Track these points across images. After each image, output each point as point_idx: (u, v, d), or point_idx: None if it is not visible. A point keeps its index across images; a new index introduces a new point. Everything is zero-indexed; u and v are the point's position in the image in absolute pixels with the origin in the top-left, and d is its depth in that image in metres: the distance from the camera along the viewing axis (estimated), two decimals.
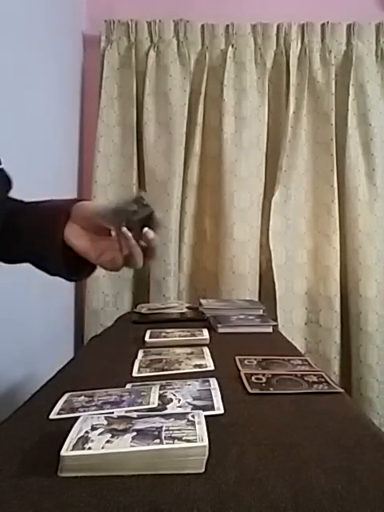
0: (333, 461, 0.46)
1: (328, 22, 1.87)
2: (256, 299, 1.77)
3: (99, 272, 0.67)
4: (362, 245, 1.81)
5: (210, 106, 1.89)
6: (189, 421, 0.49)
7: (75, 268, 0.63)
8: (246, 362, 0.83)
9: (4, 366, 1.20)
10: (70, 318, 1.84)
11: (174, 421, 0.49)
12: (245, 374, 0.75)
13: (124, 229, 0.57)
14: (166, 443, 0.44)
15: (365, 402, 1.76)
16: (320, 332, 1.85)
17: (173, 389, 0.66)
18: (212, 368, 0.79)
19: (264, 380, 0.72)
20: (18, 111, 1.31)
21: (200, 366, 0.80)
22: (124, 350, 0.94)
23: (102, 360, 0.89)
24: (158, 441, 0.44)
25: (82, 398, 0.64)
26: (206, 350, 0.90)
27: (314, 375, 0.74)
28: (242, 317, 1.22)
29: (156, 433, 0.46)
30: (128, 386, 0.69)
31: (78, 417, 0.51)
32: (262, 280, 1.88)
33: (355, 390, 1.79)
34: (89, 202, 0.65)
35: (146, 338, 1.00)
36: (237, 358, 0.85)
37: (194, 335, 1.02)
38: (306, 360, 0.85)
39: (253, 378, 0.73)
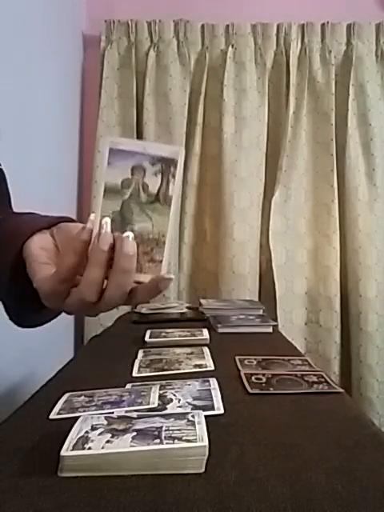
0: (333, 461, 0.46)
1: (328, 22, 1.87)
2: (256, 299, 1.77)
3: None
4: (362, 245, 1.81)
5: (210, 106, 1.89)
6: (189, 421, 0.49)
7: (25, 297, 0.47)
8: (246, 362, 0.83)
9: (4, 365, 1.20)
10: (70, 318, 1.84)
11: (174, 421, 0.49)
12: (245, 374, 0.75)
13: (130, 234, 0.39)
14: (166, 443, 0.44)
15: (365, 402, 1.76)
16: (320, 332, 1.85)
17: (173, 389, 0.66)
18: (212, 368, 0.79)
19: (264, 380, 0.72)
20: (17, 111, 1.31)
21: (200, 365, 0.80)
22: (124, 350, 0.94)
23: (102, 360, 0.89)
24: (158, 441, 0.44)
25: (82, 398, 0.64)
26: (206, 350, 0.90)
27: (314, 375, 0.74)
28: (242, 317, 1.22)
29: (156, 433, 0.46)
30: (128, 386, 0.69)
31: (78, 417, 0.51)
32: (261, 280, 1.88)
33: (355, 390, 1.79)
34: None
35: (146, 338, 1.00)
36: (237, 358, 0.85)
37: (194, 335, 1.02)
38: (306, 360, 0.85)
39: (253, 378, 0.73)
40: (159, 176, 0.40)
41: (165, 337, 1.01)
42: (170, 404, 0.60)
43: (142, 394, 0.63)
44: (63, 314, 0.51)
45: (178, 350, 0.90)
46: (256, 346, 0.98)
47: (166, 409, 0.58)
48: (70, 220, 0.50)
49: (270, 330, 1.15)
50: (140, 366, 0.81)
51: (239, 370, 0.77)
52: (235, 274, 1.80)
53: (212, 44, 1.89)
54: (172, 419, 0.50)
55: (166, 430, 0.47)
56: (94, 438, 0.45)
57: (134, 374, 0.77)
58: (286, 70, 1.88)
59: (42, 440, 0.51)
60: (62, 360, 0.89)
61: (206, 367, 0.80)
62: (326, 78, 1.87)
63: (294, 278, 1.88)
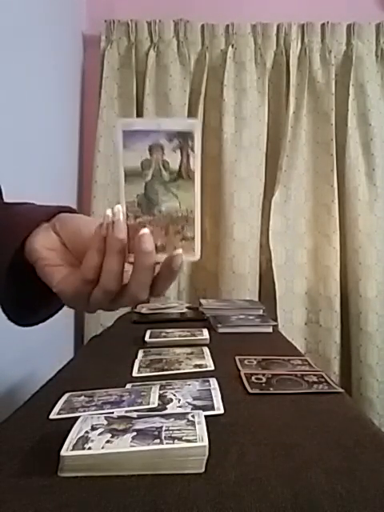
0: (333, 461, 0.46)
1: (328, 22, 1.87)
2: (256, 299, 1.77)
3: None
4: (362, 245, 1.81)
5: (210, 106, 1.89)
6: (189, 421, 0.49)
7: (28, 292, 0.46)
8: (246, 362, 0.83)
9: (4, 365, 1.20)
10: (70, 317, 1.84)
11: (174, 421, 0.49)
12: (245, 374, 0.75)
13: (146, 231, 0.39)
14: (166, 443, 0.44)
15: (365, 402, 1.76)
16: (320, 332, 1.85)
17: (173, 389, 0.66)
18: (212, 368, 0.79)
19: (264, 380, 0.72)
20: (17, 111, 1.31)
21: (200, 365, 0.80)
22: (124, 350, 0.94)
23: (102, 360, 0.89)
24: (158, 441, 0.44)
25: (82, 398, 0.64)
26: (205, 350, 0.90)
27: (314, 375, 0.74)
28: (242, 317, 1.22)
29: (156, 433, 0.46)
30: (128, 386, 0.69)
31: (78, 417, 0.51)
32: (262, 280, 1.88)
33: (355, 390, 1.79)
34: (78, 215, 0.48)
35: (146, 338, 1.00)
36: (237, 358, 0.85)
37: (194, 335, 1.02)
38: (306, 360, 0.85)
39: (253, 377, 0.73)
40: (178, 151, 0.39)
41: (165, 337, 1.01)
42: (170, 404, 0.60)
43: (142, 394, 0.63)
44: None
45: (178, 350, 0.90)
46: (256, 346, 0.98)
47: (165, 409, 0.58)
48: (70, 210, 0.47)
49: (270, 329, 1.15)
50: (140, 366, 0.81)
51: (239, 370, 0.77)
52: (235, 274, 1.80)
53: (212, 44, 1.89)
54: (172, 419, 0.50)
55: (166, 430, 0.47)
56: (94, 438, 0.45)
57: (134, 374, 0.77)
58: (286, 70, 1.88)
59: (42, 440, 0.51)
60: (61, 360, 0.89)
61: (206, 367, 0.80)
62: (326, 77, 1.87)
63: (294, 277, 1.88)
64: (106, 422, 0.49)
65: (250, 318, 1.21)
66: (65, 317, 1.78)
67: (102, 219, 0.40)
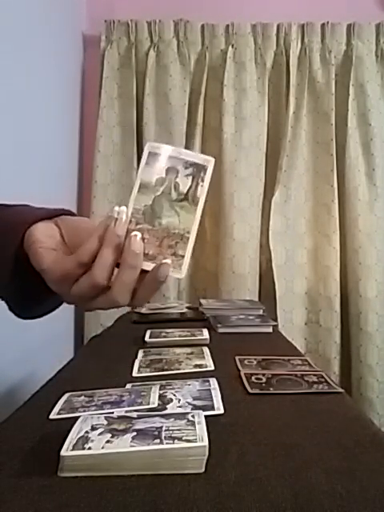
0: (333, 461, 0.46)
1: (328, 22, 1.87)
2: (256, 299, 1.77)
3: None
4: (362, 245, 1.81)
5: (210, 106, 1.89)
6: (189, 421, 0.49)
7: (28, 288, 0.47)
8: (246, 362, 0.83)
9: (4, 365, 1.20)
10: (70, 318, 1.84)
11: (174, 421, 0.49)
12: (245, 374, 0.75)
13: (138, 234, 0.41)
14: (166, 443, 0.44)
15: (365, 402, 1.76)
16: (320, 332, 1.86)
17: (173, 389, 0.66)
18: (212, 368, 0.79)
19: (264, 380, 0.72)
20: (17, 111, 1.31)
21: (200, 365, 0.80)
22: (124, 350, 0.94)
23: (102, 360, 0.89)
24: (158, 441, 0.44)
25: (82, 397, 0.64)
26: (205, 350, 0.90)
27: (314, 375, 0.74)
28: (241, 317, 1.22)
29: (156, 433, 0.46)
30: (128, 386, 0.69)
31: (78, 417, 0.51)
32: (262, 280, 1.88)
33: (355, 390, 1.79)
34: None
35: (146, 338, 1.00)
36: (237, 358, 0.85)
37: (194, 335, 1.02)
38: (306, 360, 0.85)
39: (253, 377, 0.73)
40: (190, 178, 0.44)
41: (165, 337, 1.01)
42: (170, 404, 0.60)
43: (142, 394, 0.63)
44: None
45: (178, 350, 0.90)
46: (256, 346, 0.98)
47: (165, 409, 0.58)
48: (70, 212, 0.50)
49: (270, 329, 1.15)
50: (140, 366, 0.81)
51: (239, 370, 0.77)
52: (235, 274, 1.80)
53: (212, 44, 1.89)
54: (172, 419, 0.50)
55: (166, 430, 0.47)
56: (94, 438, 0.45)
57: (134, 374, 0.77)
58: (286, 70, 1.88)
59: (42, 440, 0.51)
60: (61, 360, 0.89)
61: (206, 367, 0.80)
62: (326, 77, 1.87)
63: (294, 277, 1.88)
64: (105, 422, 0.49)
65: (250, 317, 1.21)
66: (65, 317, 1.78)
67: (109, 212, 0.42)
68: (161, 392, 0.64)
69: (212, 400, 0.62)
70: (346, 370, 1.86)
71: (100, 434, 0.46)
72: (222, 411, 0.59)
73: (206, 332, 1.04)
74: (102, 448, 0.43)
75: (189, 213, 0.43)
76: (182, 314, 1.35)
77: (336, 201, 1.85)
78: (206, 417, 0.50)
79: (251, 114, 1.86)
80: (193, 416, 0.50)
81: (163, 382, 0.69)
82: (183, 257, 0.43)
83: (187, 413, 0.52)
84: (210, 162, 0.44)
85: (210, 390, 0.66)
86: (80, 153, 1.94)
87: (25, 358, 1.32)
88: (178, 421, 0.49)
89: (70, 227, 0.46)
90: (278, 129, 1.91)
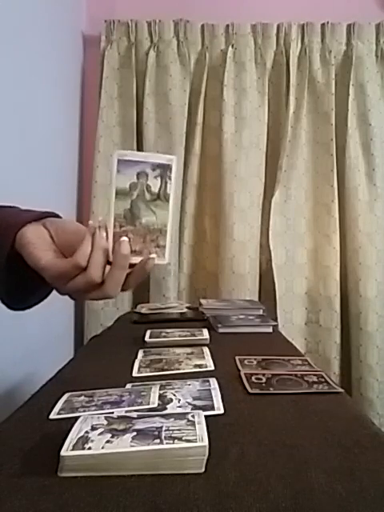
0: (333, 461, 0.46)
1: (328, 22, 1.87)
2: (256, 299, 1.77)
3: None
4: (362, 245, 1.81)
5: (210, 105, 1.89)
6: (189, 421, 0.49)
7: (19, 282, 0.53)
8: (245, 362, 0.83)
9: (4, 365, 1.21)
10: (70, 318, 1.84)
11: (174, 421, 0.49)
12: (245, 374, 0.75)
13: (125, 239, 0.49)
14: (166, 443, 0.44)
15: (365, 402, 1.76)
16: (320, 332, 1.86)
17: (173, 389, 0.66)
18: (212, 368, 0.79)
19: (264, 380, 0.72)
20: (17, 111, 1.31)
21: (200, 366, 0.80)
22: (124, 350, 0.94)
23: (102, 360, 0.89)
24: (158, 441, 0.44)
25: (82, 398, 0.64)
26: (205, 350, 0.90)
27: (314, 375, 0.74)
28: (242, 317, 1.22)
29: (156, 433, 0.46)
30: (128, 385, 0.69)
31: (78, 417, 0.51)
32: (261, 280, 1.88)
33: (355, 390, 1.79)
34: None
35: (146, 338, 1.00)
36: (237, 358, 0.85)
37: (194, 335, 1.02)
38: (306, 360, 0.85)
39: (253, 377, 0.73)
40: (159, 179, 0.50)
41: (165, 337, 1.01)
42: (170, 404, 0.60)
43: (142, 394, 0.63)
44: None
45: (178, 350, 0.90)
46: (256, 345, 0.98)
47: (166, 409, 0.58)
48: (55, 215, 0.55)
49: (270, 329, 1.15)
50: (140, 366, 0.81)
51: (239, 370, 0.77)
52: (235, 274, 1.80)
53: (212, 44, 1.89)
54: (172, 419, 0.50)
55: (166, 430, 0.47)
56: (94, 438, 0.45)
57: (134, 374, 0.77)
58: (286, 70, 1.88)
59: (42, 440, 0.51)
60: (62, 360, 0.89)
61: (206, 367, 0.80)
62: (325, 77, 1.87)
63: (294, 278, 1.88)
64: (106, 422, 0.49)
65: (250, 318, 1.21)
66: (65, 317, 1.79)
67: (93, 221, 0.50)
68: (161, 392, 0.64)
69: (212, 400, 0.62)
70: (345, 370, 1.86)
71: (100, 434, 0.46)
72: (222, 411, 0.59)
73: (205, 332, 1.04)
74: (102, 448, 0.43)
75: (163, 209, 0.50)
76: (181, 313, 1.35)
77: (336, 201, 1.85)
78: (206, 417, 0.50)
79: (251, 114, 1.86)
80: (193, 416, 0.50)
81: (163, 382, 0.69)
82: (165, 246, 0.51)
83: (187, 413, 0.52)
84: (173, 160, 0.50)
85: (210, 390, 0.66)
86: (80, 153, 1.94)
87: (25, 358, 1.32)
88: (178, 421, 0.49)
89: (58, 228, 0.52)
90: (277, 129, 1.91)
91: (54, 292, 0.54)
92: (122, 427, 0.48)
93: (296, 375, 0.74)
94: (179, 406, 0.59)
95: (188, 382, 0.69)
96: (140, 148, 1.87)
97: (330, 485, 0.41)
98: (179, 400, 0.61)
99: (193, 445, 0.44)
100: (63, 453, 0.43)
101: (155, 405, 0.60)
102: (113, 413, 0.55)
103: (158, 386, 0.66)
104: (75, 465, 0.43)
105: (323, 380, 0.72)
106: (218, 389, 0.66)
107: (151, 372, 0.78)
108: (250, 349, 0.92)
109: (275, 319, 1.72)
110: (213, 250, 1.88)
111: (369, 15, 1.90)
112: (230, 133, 1.84)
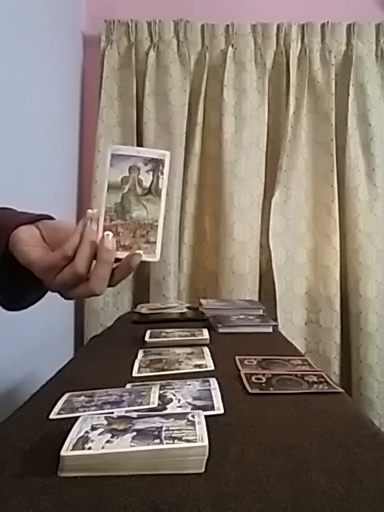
0: (333, 461, 0.46)
1: (328, 22, 1.87)
2: (256, 299, 1.77)
3: None
4: (362, 245, 1.81)
5: (210, 105, 1.89)
6: (189, 421, 0.49)
7: (14, 282, 0.54)
8: (245, 362, 0.83)
9: (4, 365, 1.20)
10: (70, 317, 1.84)
11: (174, 421, 0.49)
12: (245, 373, 0.75)
13: (110, 233, 0.49)
14: (166, 443, 0.44)
15: (365, 402, 1.76)
16: (320, 332, 1.85)
17: (173, 389, 0.66)
18: (212, 368, 0.79)
19: (264, 380, 0.72)
20: (17, 111, 1.31)
21: (200, 366, 0.80)
22: (124, 350, 0.94)
23: (102, 360, 0.89)
24: (158, 441, 0.44)
25: (82, 398, 0.64)
26: (206, 349, 0.90)
27: (314, 375, 0.74)
28: (242, 317, 1.22)
29: (156, 433, 0.46)
30: (128, 385, 0.69)
31: (78, 417, 0.51)
32: (261, 280, 1.88)
33: (355, 390, 1.79)
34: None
35: (146, 338, 1.00)
36: (237, 358, 0.85)
37: (194, 335, 1.02)
38: (306, 360, 0.85)
39: (253, 377, 0.73)
40: (151, 173, 0.50)
41: (165, 337, 1.01)
42: (170, 404, 0.60)
43: (142, 394, 0.63)
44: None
45: (178, 350, 0.90)
46: (256, 345, 0.98)
47: (166, 409, 0.58)
48: (49, 217, 0.56)
49: (270, 329, 1.15)
50: (140, 366, 0.81)
51: (239, 370, 0.77)
52: (235, 274, 1.80)
53: (212, 44, 1.89)
54: (172, 419, 0.50)
55: (166, 430, 0.47)
56: (94, 438, 0.45)
57: (134, 374, 0.77)
58: (286, 70, 1.88)
59: (41, 440, 0.51)
60: (61, 360, 0.89)
61: (206, 367, 0.80)
62: (325, 77, 1.87)
63: (294, 277, 1.88)
64: (105, 422, 0.49)
65: (250, 318, 1.21)
66: (65, 317, 1.79)
67: (86, 214, 0.50)
68: (161, 392, 0.64)
69: (212, 400, 0.62)
70: (345, 370, 1.86)
71: (100, 434, 0.46)
72: (222, 411, 0.59)
73: (205, 332, 1.04)
74: (102, 448, 0.43)
75: (154, 204, 0.50)
76: (181, 313, 1.35)
77: (336, 201, 1.85)
78: (206, 417, 0.50)
79: (251, 114, 1.86)
80: (193, 416, 0.50)
81: (163, 382, 0.69)
82: (155, 242, 0.50)
83: (187, 413, 0.52)
84: (166, 155, 0.50)
85: (210, 390, 0.66)
86: (80, 153, 1.94)
87: (25, 358, 1.32)
88: (178, 421, 0.49)
89: (48, 228, 0.53)
90: (277, 129, 1.91)
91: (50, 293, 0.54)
92: (122, 427, 0.48)
93: (296, 375, 0.74)
94: (179, 406, 0.59)
95: (188, 382, 0.69)
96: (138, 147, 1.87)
97: (329, 485, 0.41)
98: (179, 400, 0.61)
99: (193, 445, 0.44)
100: (63, 453, 0.43)
101: (155, 405, 0.60)
102: (113, 413, 0.55)
103: (158, 386, 0.66)
104: (75, 465, 0.43)
105: (323, 380, 0.72)
106: (218, 389, 0.66)
107: (151, 372, 0.78)
108: (249, 349, 0.92)
109: (275, 319, 1.72)
110: (213, 250, 1.88)
111: (369, 15, 1.90)
112: (230, 133, 1.84)
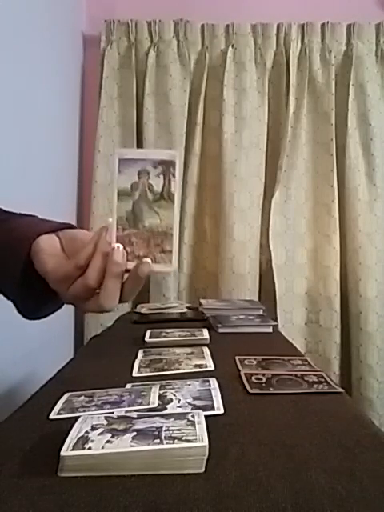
0: (333, 461, 0.46)
1: (328, 22, 1.87)
2: (256, 299, 1.77)
3: None
4: (362, 245, 1.81)
5: (210, 105, 1.89)
6: (189, 421, 0.49)
7: (34, 292, 0.53)
8: (245, 362, 0.83)
9: (4, 365, 1.20)
10: (70, 317, 1.84)
11: (174, 421, 0.49)
12: (245, 373, 0.75)
13: (120, 246, 0.46)
14: (166, 443, 0.44)
15: (365, 402, 1.76)
16: (320, 332, 1.85)
17: (173, 389, 0.66)
18: (212, 368, 0.79)
19: (264, 380, 0.72)
20: (17, 111, 1.31)
21: (200, 366, 0.80)
22: (124, 349, 0.94)
23: (102, 360, 0.89)
24: (158, 441, 0.44)
25: (82, 398, 0.64)
26: (206, 350, 0.90)
27: (314, 375, 0.74)
28: (242, 317, 1.22)
29: (156, 433, 0.46)
30: (128, 385, 0.69)
31: (78, 417, 0.51)
32: (261, 280, 1.88)
33: (355, 390, 1.79)
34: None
35: (146, 338, 1.00)
36: (237, 358, 0.85)
37: (194, 335, 1.02)
38: (306, 360, 0.85)
39: (253, 377, 0.73)
40: (161, 177, 0.46)
41: (165, 337, 1.01)
42: (170, 404, 0.60)
43: (142, 394, 0.63)
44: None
45: (178, 350, 0.90)
46: (256, 345, 0.98)
47: (166, 409, 0.58)
48: (71, 226, 0.55)
49: (270, 329, 1.15)
50: (140, 366, 0.81)
51: (239, 370, 0.77)
52: (235, 274, 1.80)
53: (212, 44, 1.89)
54: (172, 419, 0.50)
55: (166, 430, 0.47)
56: (94, 438, 0.45)
57: (134, 373, 0.77)
58: (286, 70, 1.88)
59: (41, 440, 0.51)
60: (62, 360, 0.89)
61: (206, 367, 0.80)
62: (325, 77, 1.87)
63: (294, 278, 1.88)
64: (106, 422, 0.49)
65: (250, 318, 1.21)
66: (65, 317, 1.78)
67: (103, 223, 0.47)
68: (161, 392, 0.64)
69: (212, 400, 0.62)
70: (345, 370, 1.86)
71: (100, 433, 0.46)
72: (222, 411, 0.59)
73: (205, 332, 1.04)
74: (102, 448, 0.43)
75: (167, 210, 0.46)
76: (181, 313, 1.35)
77: (336, 201, 1.85)
78: (206, 417, 0.50)
79: (251, 114, 1.86)
80: (193, 416, 0.50)
81: (163, 382, 0.69)
82: (171, 251, 0.47)
83: (187, 413, 0.52)
84: (176, 156, 0.46)
85: (209, 390, 0.66)
86: (80, 153, 1.94)
87: (25, 358, 1.32)
88: (178, 421, 0.49)
89: (68, 238, 0.52)
90: (277, 129, 1.91)
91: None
92: (122, 427, 0.48)
93: (296, 375, 0.74)
94: (179, 406, 0.59)
95: (188, 382, 0.69)
96: (140, 148, 1.87)
97: (329, 485, 0.41)
98: (179, 400, 0.61)
99: (193, 445, 0.44)
100: (63, 453, 0.43)
101: (155, 405, 0.60)
102: (113, 413, 0.55)
103: (158, 386, 0.66)
104: (75, 465, 0.43)
105: (323, 380, 0.72)
106: (218, 389, 0.66)
107: (151, 372, 0.78)
108: (249, 349, 0.92)
109: (275, 319, 1.72)
110: (213, 250, 1.88)
111: (369, 15, 1.90)
112: (230, 133, 1.84)
